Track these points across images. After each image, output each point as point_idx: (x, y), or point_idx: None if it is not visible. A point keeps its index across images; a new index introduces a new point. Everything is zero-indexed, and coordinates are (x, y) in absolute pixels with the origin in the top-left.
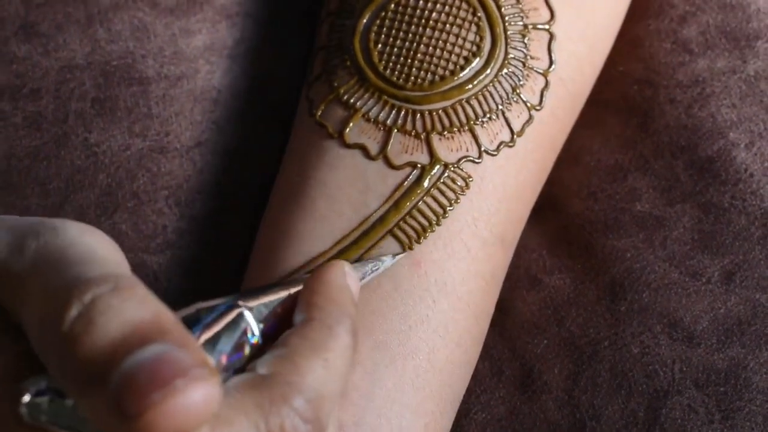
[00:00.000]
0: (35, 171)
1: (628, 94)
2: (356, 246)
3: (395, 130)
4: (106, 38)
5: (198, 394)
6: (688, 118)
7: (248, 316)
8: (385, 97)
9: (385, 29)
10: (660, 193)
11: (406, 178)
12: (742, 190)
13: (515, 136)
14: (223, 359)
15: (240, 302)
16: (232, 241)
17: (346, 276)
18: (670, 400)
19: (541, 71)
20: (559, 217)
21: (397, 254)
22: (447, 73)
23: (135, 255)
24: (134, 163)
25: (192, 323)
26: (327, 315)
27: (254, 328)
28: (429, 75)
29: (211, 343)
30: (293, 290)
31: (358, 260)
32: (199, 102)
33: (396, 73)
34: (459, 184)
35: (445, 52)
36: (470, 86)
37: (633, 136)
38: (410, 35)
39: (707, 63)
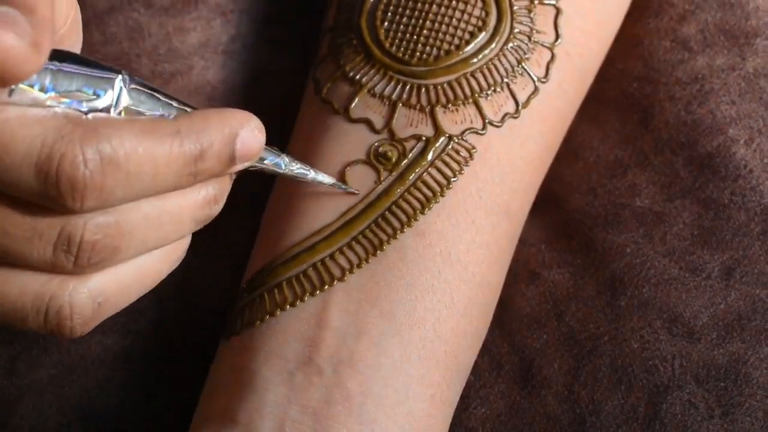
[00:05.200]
0: None
1: (627, 91)
2: (362, 217)
3: (400, 104)
4: (101, 41)
5: (8, 38)
6: (688, 115)
7: (120, 86)
8: (391, 72)
9: (391, 7)
10: (660, 188)
11: (410, 151)
12: (741, 186)
13: (520, 108)
14: (60, 97)
15: (127, 76)
16: (226, 233)
17: (255, 131)
18: (670, 395)
19: (547, 45)
20: (559, 212)
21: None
22: (452, 47)
23: None
24: None
25: (72, 60)
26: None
27: (117, 98)
28: (434, 50)
29: (65, 77)
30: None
31: (362, 233)
32: (194, 97)
33: (402, 49)
34: (463, 155)
35: (450, 28)
36: (475, 60)
37: (633, 132)
38: (416, 12)
39: (706, 60)
